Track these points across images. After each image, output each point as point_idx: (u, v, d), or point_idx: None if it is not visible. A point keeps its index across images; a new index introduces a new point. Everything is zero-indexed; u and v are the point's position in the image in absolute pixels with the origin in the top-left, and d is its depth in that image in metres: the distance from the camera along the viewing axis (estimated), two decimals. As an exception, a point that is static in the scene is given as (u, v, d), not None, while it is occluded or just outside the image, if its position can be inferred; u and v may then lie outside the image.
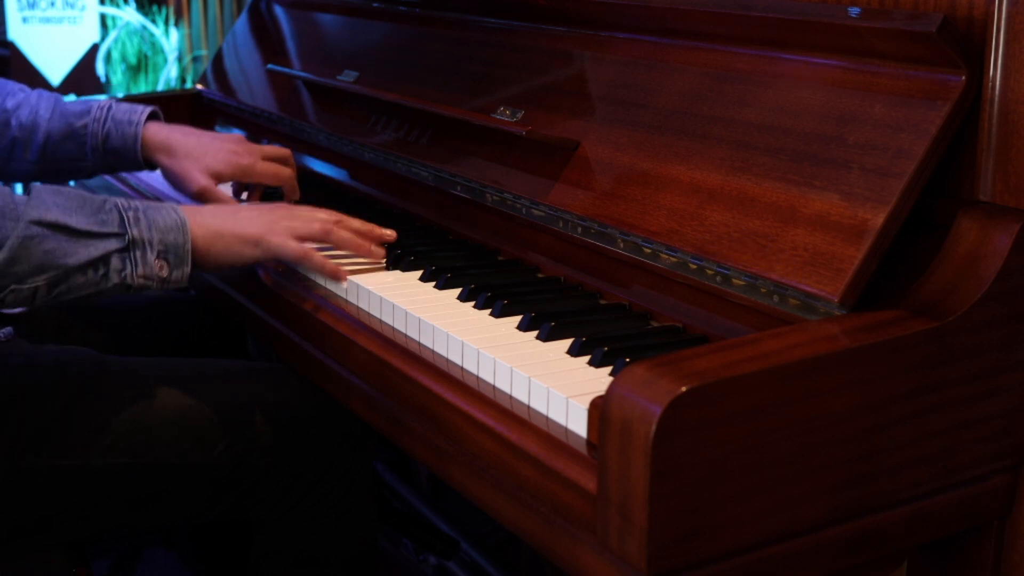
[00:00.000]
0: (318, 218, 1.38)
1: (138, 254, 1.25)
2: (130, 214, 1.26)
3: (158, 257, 1.26)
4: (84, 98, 1.68)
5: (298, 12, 2.21)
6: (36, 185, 1.26)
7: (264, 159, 1.64)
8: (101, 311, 1.76)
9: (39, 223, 1.20)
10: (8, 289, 1.19)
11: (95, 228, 1.23)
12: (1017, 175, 1.02)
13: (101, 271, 1.23)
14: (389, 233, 1.44)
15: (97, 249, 1.23)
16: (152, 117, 1.69)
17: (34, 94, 1.69)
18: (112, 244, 1.24)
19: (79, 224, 1.22)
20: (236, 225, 1.34)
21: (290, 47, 2.17)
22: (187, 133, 1.66)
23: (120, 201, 1.27)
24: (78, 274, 1.22)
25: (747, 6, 1.19)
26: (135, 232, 1.25)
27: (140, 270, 1.25)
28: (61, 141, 1.67)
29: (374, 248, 1.41)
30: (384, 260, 1.42)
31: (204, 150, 1.63)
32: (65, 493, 1.33)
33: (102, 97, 1.93)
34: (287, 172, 1.66)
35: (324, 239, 1.38)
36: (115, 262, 1.24)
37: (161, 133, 1.66)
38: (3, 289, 1.19)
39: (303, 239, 1.37)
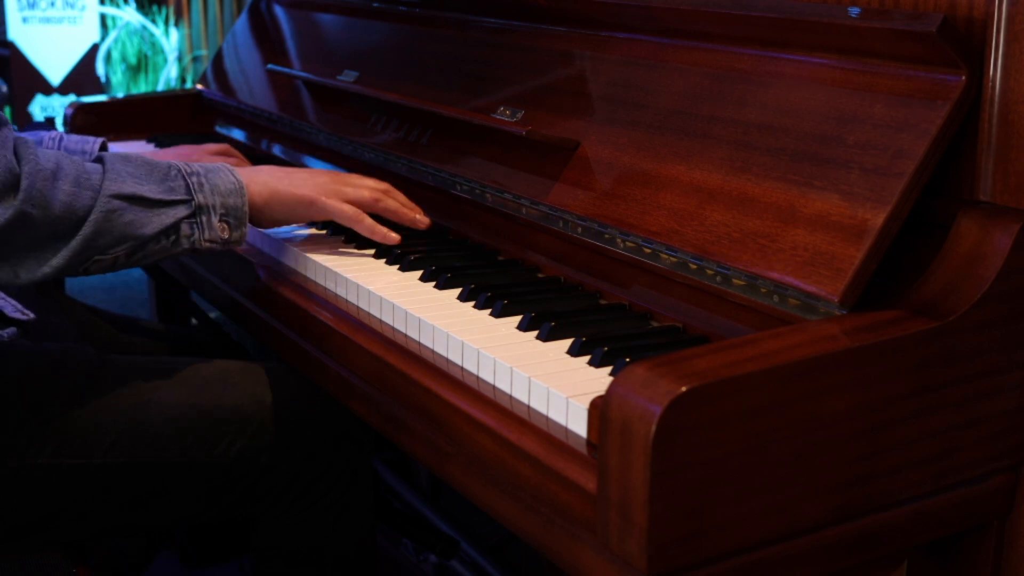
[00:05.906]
0: (367, 185, 1.46)
1: (204, 219, 1.31)
2: (193, 179, 1.31)
3: (220, 220, 1.32)
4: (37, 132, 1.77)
5: (298, 12, 2.21)
6: (106, 154, 1.29)
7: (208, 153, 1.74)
8: (101, 311, 1.76)
9: (119, 196, 1.24)
10: (92, 260, 1.24)
11: (165, 196, 1.28)
12: (1017, 175, 1.02)
13: (172, 237, 1.29)
14: (422, 218, 1.49)
15: (168, 217, 1.28)
16: (103, 148, 1.75)
17: None
18: (181, 211, 1.29)
19: (152, 193, 1.27)
20: (291, 185, 1.41)
21: (290, 47, 2.17)
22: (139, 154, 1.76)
23: (181, 166, 1.32)
24: (153, 242, 1.28)
25: (747, 6, 1.19)
26: (200, 198, 1.31)
27: (207, 234, 1.31)
28: None
29: (418, 217, 1.48)
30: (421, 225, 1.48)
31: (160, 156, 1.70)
32: (65, 492, 1.33)
33: (102, 97, 1.94)
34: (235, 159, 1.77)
35: (372, 206, 1.45)
36: (184, 228, 1.30)
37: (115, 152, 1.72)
38: (87, 260, 1.24)
39: (352, 204, 1.43)
